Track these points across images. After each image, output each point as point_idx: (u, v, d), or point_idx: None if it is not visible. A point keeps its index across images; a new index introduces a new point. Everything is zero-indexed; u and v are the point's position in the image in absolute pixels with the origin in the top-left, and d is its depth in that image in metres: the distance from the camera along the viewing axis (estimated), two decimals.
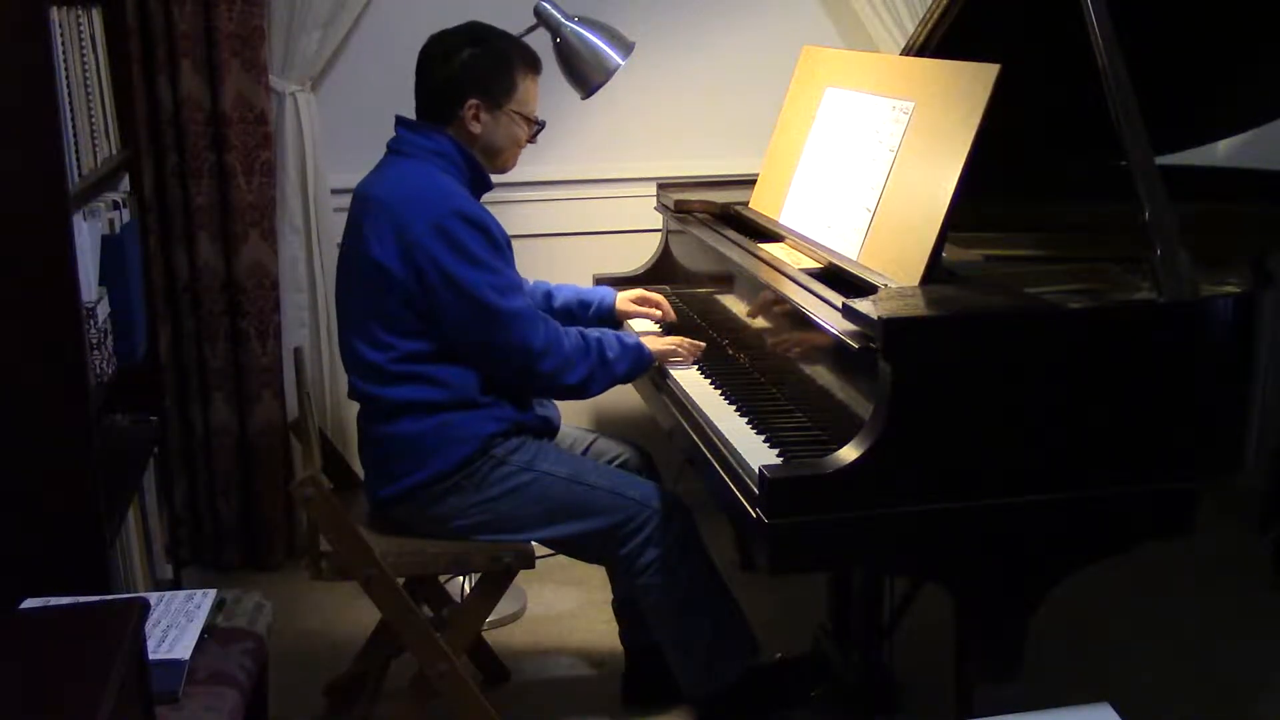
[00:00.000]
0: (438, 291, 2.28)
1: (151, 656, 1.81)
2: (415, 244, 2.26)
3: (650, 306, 2.75)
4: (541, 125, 2.49)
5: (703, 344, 2.57)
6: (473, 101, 2.38)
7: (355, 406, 2.49)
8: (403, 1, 3.26)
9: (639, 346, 2.47)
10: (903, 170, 2.17)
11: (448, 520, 2.37)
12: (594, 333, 2.43)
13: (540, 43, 2.84)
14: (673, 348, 2.53)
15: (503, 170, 2.50)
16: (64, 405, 2.17)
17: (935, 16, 2.56)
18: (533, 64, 2.45)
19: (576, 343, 2.38)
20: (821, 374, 2.13)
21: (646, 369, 2.50)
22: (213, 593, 2.14)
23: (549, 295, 2.72)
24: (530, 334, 2.31)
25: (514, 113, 2.42)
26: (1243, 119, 2.92)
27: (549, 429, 2.53)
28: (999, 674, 1.99)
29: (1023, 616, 1.99)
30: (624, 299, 2.75)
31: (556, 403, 2.59)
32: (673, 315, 2.75)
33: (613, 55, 2.82)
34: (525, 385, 2.41)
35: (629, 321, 2.77)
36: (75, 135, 2.29)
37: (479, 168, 2.43)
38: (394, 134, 2.45)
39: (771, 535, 1.83)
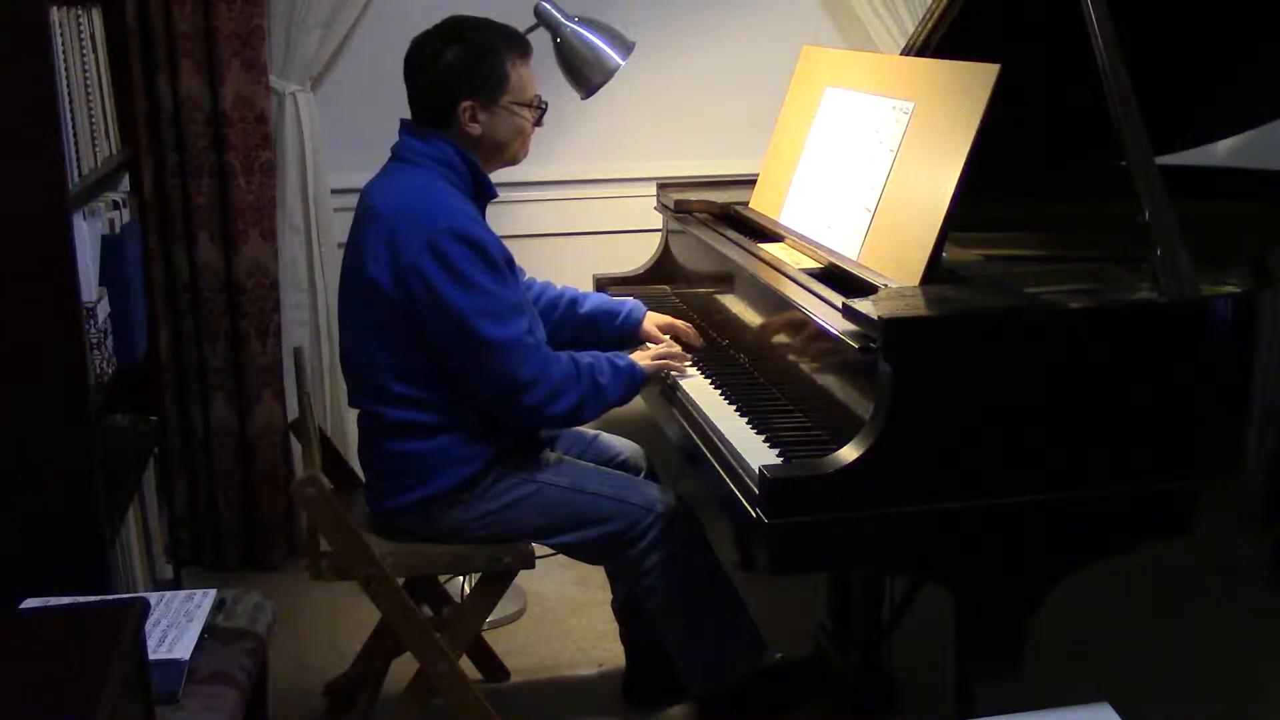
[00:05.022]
0: (428, 312, 2.20)
1: (151, 656, 1.81)
2: (408, 264, 2.19)
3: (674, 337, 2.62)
4: (545, 107, 2.39)
5: (689, 356, 2.53)
6: (466, 103, 2.29)
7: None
8: (403, 1, 3.26)
9: (631, 368, 2.37)
10: (903, 170, 2.17)
11: (451, 533, 2.36)
12: (585, 357, 2.34)
13: (540, 43, 2.85)
14: (663, 364, 2.46)
15: (514, 161, 2.41)
16: (64, 405, 2.17)
17: (935, 16, 2.56)
18: (521, 48, 2.35)
19: (567, 370, 2.27)
20: (821, 374, 2.13)
21: (640, 390, 2.43)
22: (213, 593, 2.14)
23: (574, 302, 2.64)
24: (517, 365, 2.21)
25: (511, 104, 2.32)
26: (1243, 119, 2.92)
27: (550, 439, 2.51)
28: (999, 674, 1.99)
29: (1023, 616, 1.99)
30: (651, 321, 2.65)
31: None
32: (699, 343, 2.63)
33: (613, 55, 2.82)
34: (506, 416, 2.30)
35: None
36: (75, 135, 2.29)
37: (483, 176, 2.34)
38: (397, 137, 2.38)
39: (772, 535, 1.83)
